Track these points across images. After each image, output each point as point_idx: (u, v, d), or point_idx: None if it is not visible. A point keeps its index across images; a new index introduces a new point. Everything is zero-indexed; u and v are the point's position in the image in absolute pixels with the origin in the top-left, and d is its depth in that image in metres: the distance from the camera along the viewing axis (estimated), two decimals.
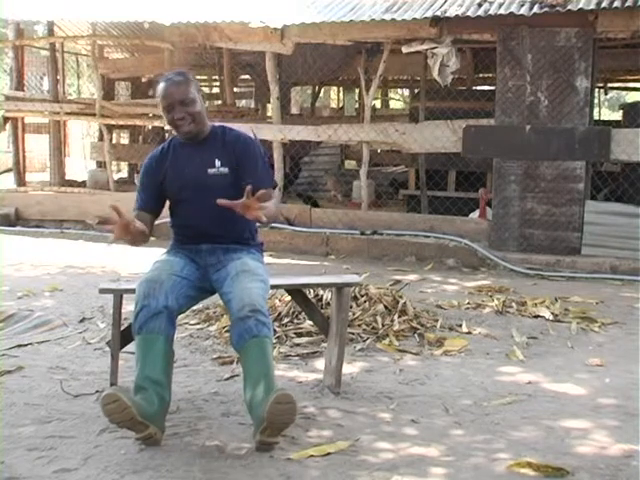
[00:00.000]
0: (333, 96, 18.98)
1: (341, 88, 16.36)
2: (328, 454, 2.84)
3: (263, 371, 2.91)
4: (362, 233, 7.90)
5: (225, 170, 3.25)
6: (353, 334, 4.40)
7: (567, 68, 7.10)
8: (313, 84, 13.24)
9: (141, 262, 6.73)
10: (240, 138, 3.35)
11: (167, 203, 3.41)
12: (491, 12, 7.05)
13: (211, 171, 3.25)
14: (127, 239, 3.08)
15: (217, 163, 3.25)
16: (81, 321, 4.83)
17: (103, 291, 3.48)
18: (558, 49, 7.11)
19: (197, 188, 3.24)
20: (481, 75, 11.77)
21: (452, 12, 7.17)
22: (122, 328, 3.42)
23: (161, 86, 3.25)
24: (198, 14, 7.99)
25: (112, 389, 2.88)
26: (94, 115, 9.47)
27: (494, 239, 7.47)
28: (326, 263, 7.20)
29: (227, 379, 3.75)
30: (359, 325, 4.54)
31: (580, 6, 6.82)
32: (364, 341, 4.39)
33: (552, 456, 2.87)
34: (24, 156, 10.23)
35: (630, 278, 6.65)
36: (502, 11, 7.02)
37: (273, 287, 3.45)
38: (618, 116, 12.38)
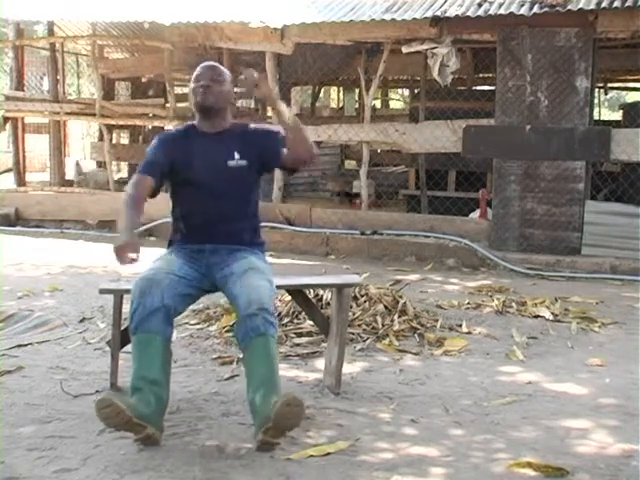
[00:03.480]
0: (333, 96, 18.96)
1: (341, 88, 16.35)
2: (328, 454, 2.84)
3: (268, 371, 2.92)
4: (362, 233, 7.90)
5: (243, 162, 3.32)
6: (353, 334, 4.40)
7: (567, 68, 7.10)
8: (313, 84, 13.23)
9: (142, 262, 6.74)
10: (251, 127, 3.49)
11: (168, 201, 3.42)
12: (491, 12, 7.05)
13: (231, 163, 3.31)
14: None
15: (236, 155, 3.32)
16: (81, 321, 4.83)
17: (103, 291, 3.48)
18: (558, 49, 7.11)
19: (216, 178, 3.29)
20: (481, 75, 11.76)
21: (452, 12, 7.17)
22: (122, 328, 3.43)
23: (201, 65, 3.40)
24: (198, 14, 7.99)
25: (105, 393, 2.88)
26: (94, 115, 9.47)
27: (494, 239, 7.47)
28: (326, 263, 7.20)
29: (227, 379, 3.75)
30: (359, 325, 4.54)
31: (580, 6, 6.82)
32: (364, 341, 4.39)
33: (552, 456, 2.87)
34: (24, 156, 10.23)
35: (630, 278, 6.65)
36: (502, 11, 7.02)
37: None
38: (618, 116, 12.37)
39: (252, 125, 3.54)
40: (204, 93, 3.29)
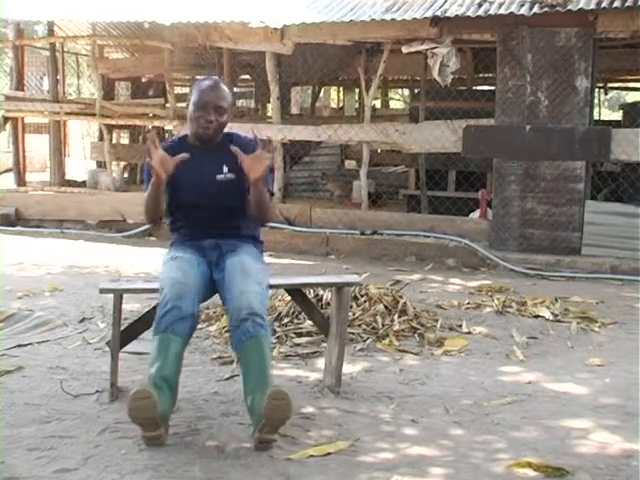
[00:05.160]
0: (333, 96, 18.96)
1: (341, 88, 16.34)
2: (328, 454, 2.84)
3: (261, 373, 2.95)
4: (362, 233, 7.90)
5: (232, 176, 3.32)
6: (353, 334, 4.40)
7: (567, 68, 7.10)
8: (313, 84, 13.23)
9: (142, 262, 6.74)
10: (246, 144, 3.37)
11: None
12: (491, 12, 7.05)
13: (219, 177, 3.32)
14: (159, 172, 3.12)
15: (224, 169, 3.32)
16: (81, 321, 4.83)
17: (103, 291, 3.48)
18: (558, 49, 7.11)
19: (206, 193, 3.30)
20: (481, 75, 11.76)
21: (452, 12, 7.17)
22: (122, 328, 3.43)
23: (205, 84, 3.35)
24: (198, 14, 7.99)
25: (145, 385, 2.90)
26: (94, 115, 9.47)
27: (494, 239, 7.47)
28: (326, 263, 7.20)
29: (227, 379, 3.75)
30: (359, 325, 4.54)
31: (580, 6, 6.82)
32: (364, 341, 4.39)
33: (552, 456, 2.87)
34: (24, 156, 10.22)
35: (630, 278, 6.65)
36: (502, 11, 7.02)
37: (273, 287, 3.47)
38: (618, 116, 12.37)
39: (241, 137, 3.46)
40: (206, 128, 3.30)
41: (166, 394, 2.92)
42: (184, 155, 3.17)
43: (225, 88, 3.37)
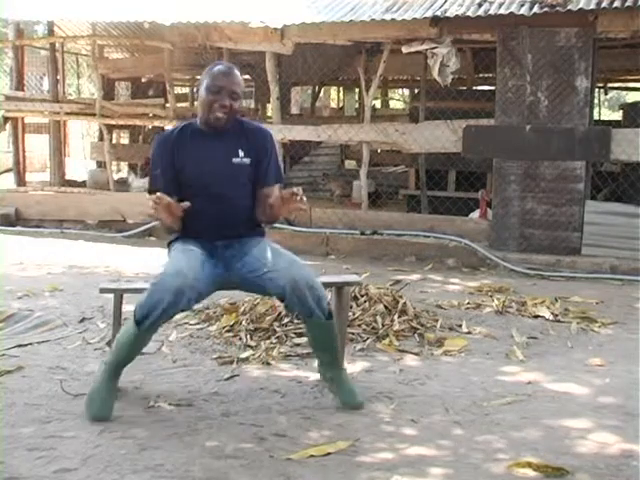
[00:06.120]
0: (333, 96, 18.97)
1: (341, 88, 16.35)
2: (328, 454, 2.84)
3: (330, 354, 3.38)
4: (362, 233, 7.90)
5: (247, 160, 3.36)
6: (353, 334, 4.40)
7: (567, 68, 7.09)
8: (313, 84, 13.23)
9: (142, 262, 6.74)
10: (259, 130, 3.49)
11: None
12: (491, 12, 7.04)
13: (235, 160, 3.34)
14: (166, 218, 3.17)
15: (240, 153, 3.34)
16: (81, 321, 4.83)
17: (103, 291, 3.49)
18: (558, 49, 7.11)
19: (221, 177, 3.31)
20: (481, 75, 11.76)
21: (452, 12, 7.17)
22: None
23: (218, 68, 3.36)
24: (198, 14, 7.99)
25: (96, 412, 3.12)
26: (94, 115, 9.47)
27: (494, 239, 7.47)
28: (326, 263, 7.19)
29: (227, 379, 3.75)
30: (359, 325, 4.54)
31: (580, 6, 6.82)
32: (364, 341, 4.39)
33: (552, 456, 2.87)
34: (24, 156, 10.22)
35: (630, 278, 6.64)
36: (502, 11, 7.01)
37: None
38: (618, 116, 12.38)
39: (252, 123, 3.56)
40: (221, 114, 3.28)
41: (111, 386, 3.18)
42: (186, 204, 3.15)
43: (238, 73, 3.38)
